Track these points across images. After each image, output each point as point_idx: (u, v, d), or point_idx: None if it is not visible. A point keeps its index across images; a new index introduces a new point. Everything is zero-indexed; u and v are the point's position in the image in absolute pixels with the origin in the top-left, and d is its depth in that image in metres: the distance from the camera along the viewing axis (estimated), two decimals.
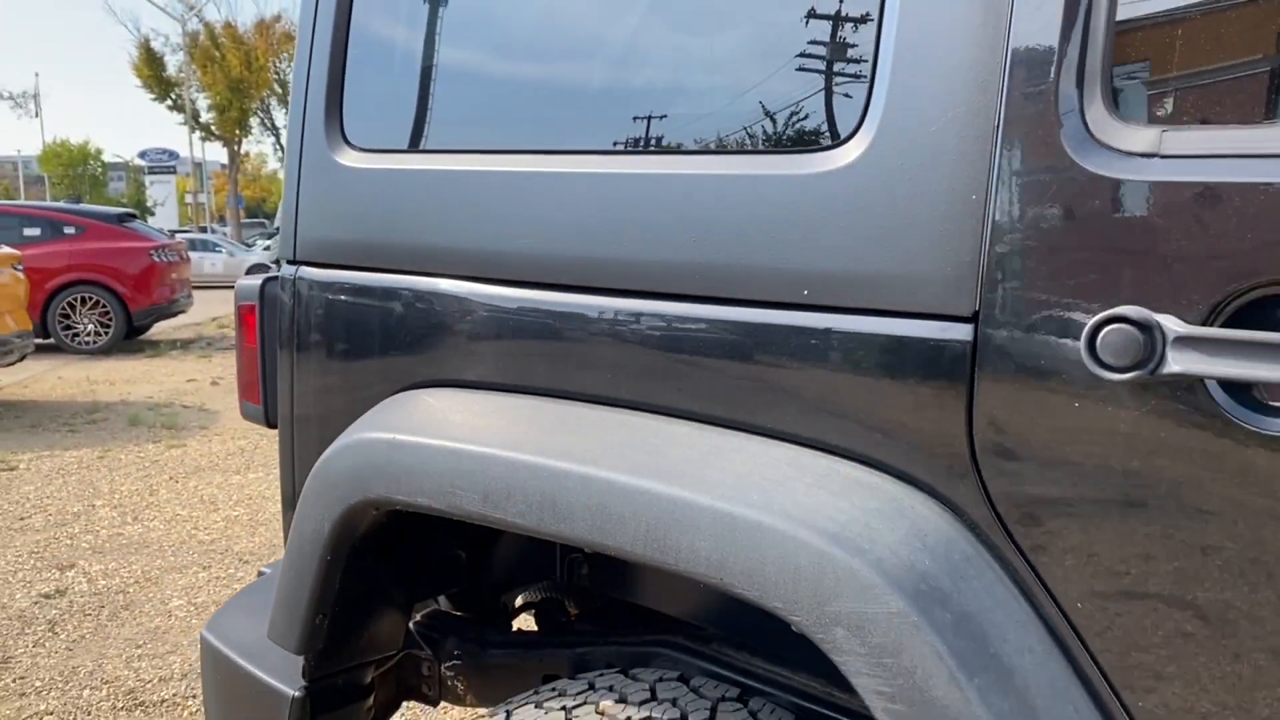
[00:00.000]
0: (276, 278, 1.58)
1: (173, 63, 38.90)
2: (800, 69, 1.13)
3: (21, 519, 5.48)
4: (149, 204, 43.07)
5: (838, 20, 1.11)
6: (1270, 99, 0.94)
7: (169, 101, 38.84)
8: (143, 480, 6.29)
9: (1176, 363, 0.89)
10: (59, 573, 4.65)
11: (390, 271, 1.44)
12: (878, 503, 1.03)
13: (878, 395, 1.06)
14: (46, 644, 3.89)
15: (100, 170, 56.69)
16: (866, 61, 1.08)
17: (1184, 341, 0.89)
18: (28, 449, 7.07)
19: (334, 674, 1.49)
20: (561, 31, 1.33)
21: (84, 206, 13.56)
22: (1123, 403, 0.93)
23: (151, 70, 38.28)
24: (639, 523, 1.10)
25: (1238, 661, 0.90)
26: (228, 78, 36.75)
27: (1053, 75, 0.96)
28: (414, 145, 1.46)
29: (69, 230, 12.02)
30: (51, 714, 3.35)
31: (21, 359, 8.83)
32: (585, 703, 1.27)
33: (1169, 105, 0.98)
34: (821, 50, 1.12)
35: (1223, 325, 0.89)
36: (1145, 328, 0.90)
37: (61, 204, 14.78)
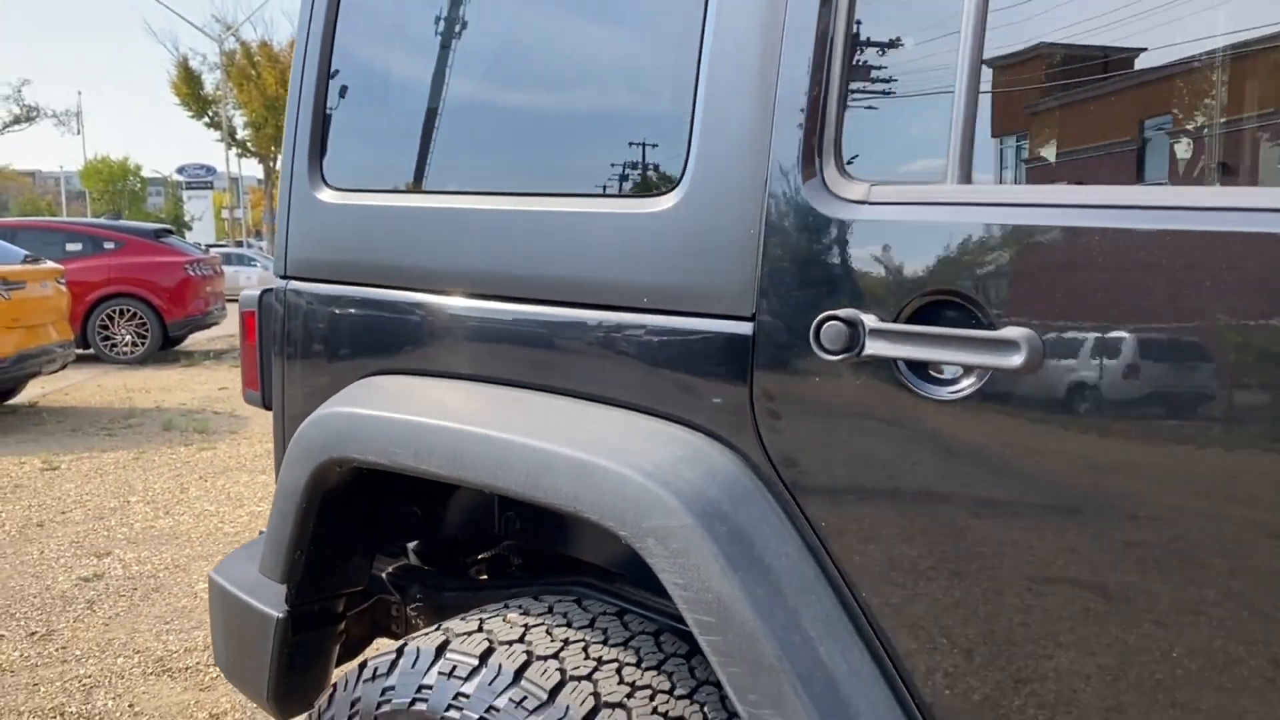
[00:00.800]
0: (272, 290, 2.00)
1: (210, 81, 39.80)
2: (645, 141, 1.53)
3: (63, 512, 5.95)
4: (187, 218, 44.04)
5: (669, 106, 1.50)
6: (937, 160, 1.32)
7: (206, 119, 39.75)
8: (174, 479, 6.76)
9: (872, 348, 1.27)
10: (96, 559, 5.10)
11: (357, 285, 1.85)
12: (686, 450, 1.42)
13: (690, 374, 1.45)
14: (85, 620, 4.33)
15: (140, 186, 57.93)
16: (685, 136, 1.47)
17: (877, 333, 1.27)
18: (69, 451, 7.56)
19: (311, 602, 1.89)
20: (472, 105, 1.73)
21: (122, 223, 14.15)
22: (842, 377, 1.31)
23: (189, 88, 39.21)
24: (522, 469, 1.50)
25: (931, 551, 1.27)
26: (263, 95, 37.59)
27: (802, 145, 1.35)
28: (376, 187, 1.88)
29: (108, 245, 12.59)
30: (89, 677, 3.77)
31: (63, 367, 9.35)
32: (497, 615, 1.67)
33: (879, 163, 1.37)
34: (660, 126, 1.52)
35: (905, 322, 1.27)
36: (852, 324, 1.29)
37: (101, 220, 15.41)
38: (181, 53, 47.24)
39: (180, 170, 45.55)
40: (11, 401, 9.47)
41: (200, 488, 6.55)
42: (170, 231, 13.91)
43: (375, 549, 2.00)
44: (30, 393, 9.89)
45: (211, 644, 2.18)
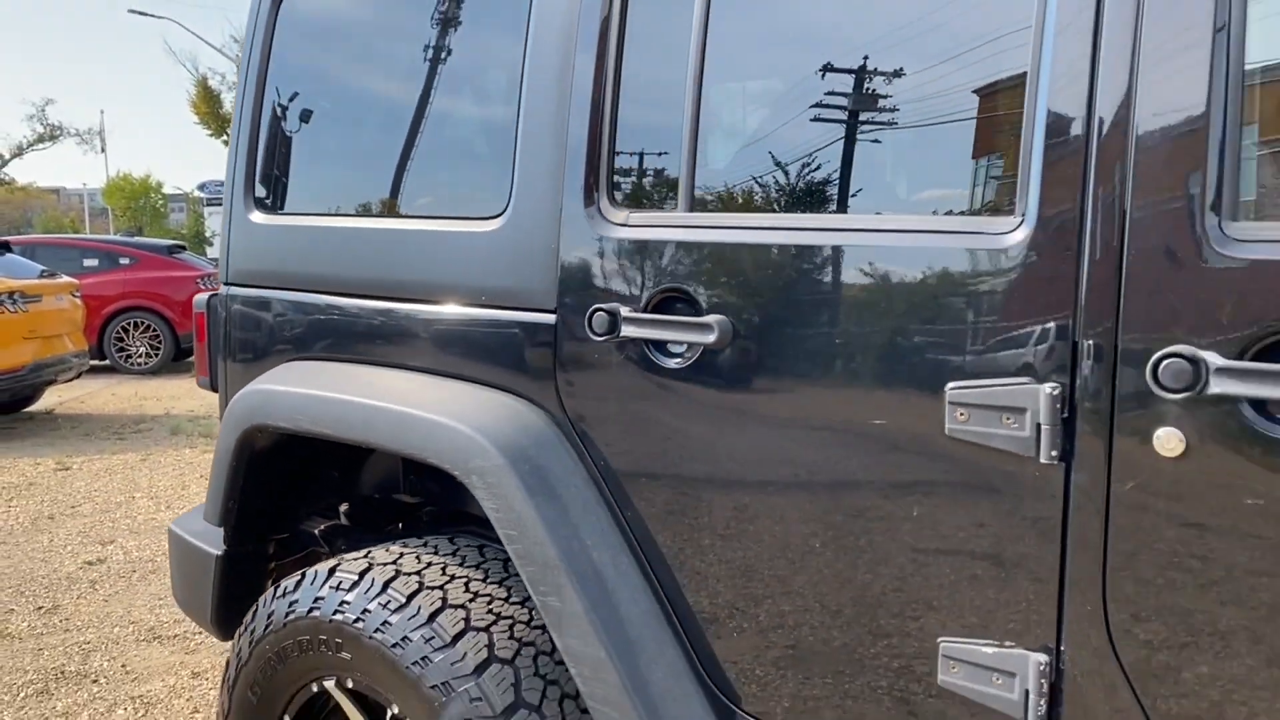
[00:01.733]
0: (218, 295, 2.47)
1: (229, 100, 40.60)
2: (483, 178, 2.00)
3: (73, 507, 6.45)
4: (207, 234, 44.82)
5: (499, 153, 1.97)
6: (673, 194, 1.77)
7: (225, 136, 40.54)
8: (178, 478, 7.25)
9: (626, 332, 1.73)
10: (101, 546, 5.59)
11: (278, 289, 2.32)
12: (506, 411, 1.88)
13: (514, 354, 1.91)
14: (87, 596, 4.81)
15: (161, 202, 58.82)
16: (509, 176, 1.93)
17: (629, 320, 1.73)
18: (81, 453, 8.07)
19: (244, 544, 2.35)
20: (360, 147, 2.21)
21: (137, 239, 14.74)
22: (609, 353, 1.77)
23: (208, 107, 39.97)
24: (387, 428, 1.96)
25: (671, 482, 1.72)
26: None
27: (584, 183, 1.81)
28: (292, 211, 2.35)
29: (124, 261, 13.17)
30: (88, 643, 4.25)
31: (78, 375, 9.88)
32: (382, 548, 2.13)
33: (636, 196, 1.83)
34: (493, 167, 1.98)
35: (649, 312, 1.73)
36: (613, 314, 1.74)
37: (117, 237, 16.02)
38: (201, 72, 48.19)
39: (201, 187, 46.31)
40: (30, 409, 10.01)
41: (201, 485, 7.03)
42: (183, 248, 14.49)
43: (301, 503, 2.46)
44: (47, 400, 10.43)
45: (171, 584, 2.65)
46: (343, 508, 2.63)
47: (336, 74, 2.29)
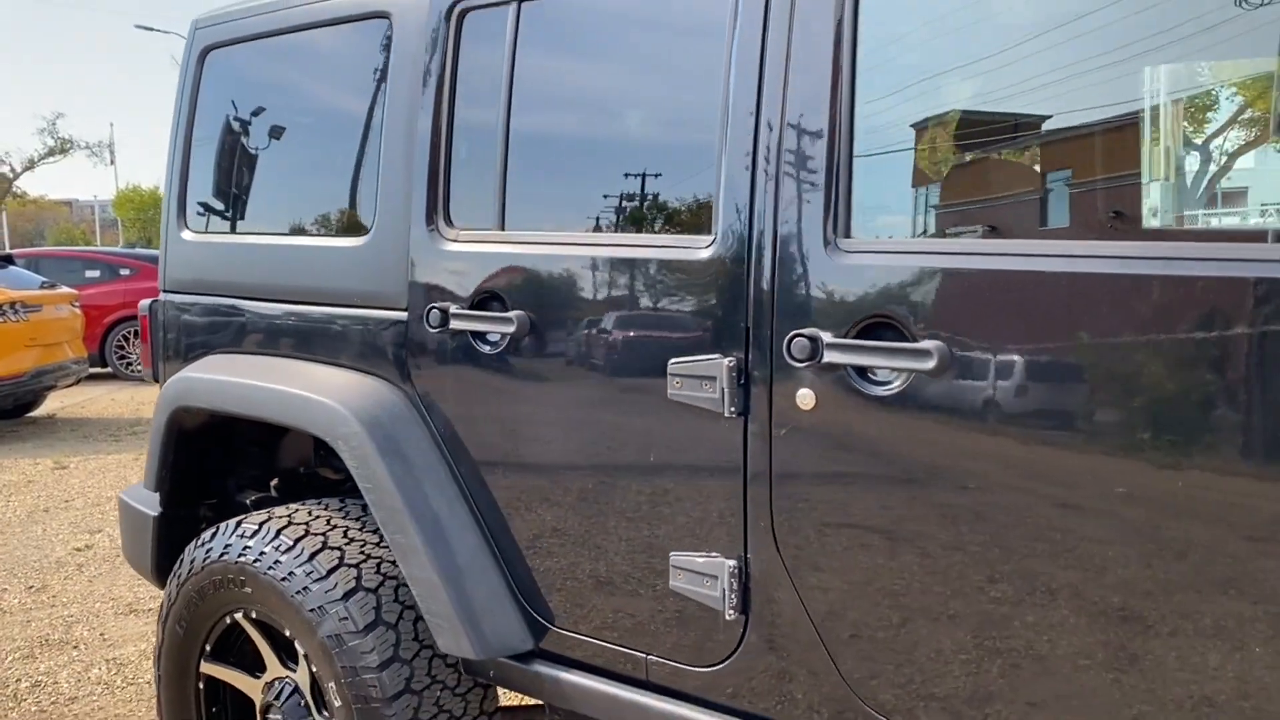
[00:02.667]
0: (157, 300, 2.96)
1: None
2: (356, 203, 2.48)
3: (66, 501, 6.95)
4: None
5: (367, 183, 2.45)
6: (490, 218, 2.24)
7: None
8: None
9: (454, 325, 2.20)
10: (89, 535, 6.09)
11: (201, 295, 2.81)
12: (369, 390, 2.35)
13: (376, 344, 2.39)
14: (74, 578, 5.30)
15: None
16: (374, 202, 2.41)
17: (457, 316, 2.20)
18: (78, 454, 8.59)
19: (176, 507, 2.84)
20: (260, 178, 2.70)
21: (137, 250, 15.31)
22: (441, 343, 2.24)
23: None
24: (277, 405, 2.44)
25: (488, 443, 2.19)
26: None
27: (426, 208, 2.28)
28: (211, 230, 2.84)
29: (124, 272, 13.71)
30: (72, 616, 4.74)
31: (78, 381, 10.41)
32: (284, 506, 2.60)
33: (463, 220, 2.30)
34: (363, 194, 2.46)
35: (469, 309, 2.20)
36: (444, 311, 2.22)
37: (118, 249, 16.58)
38: None
39: None
40: (33, 413, 10.54)
41: None
42: None
43: (229, 474, 2.94)
44: (50, 406, 10.95)
45: (120, 543, 3.13)
46: (273, 483, 3.10)
47: (245, 119, 2.77)
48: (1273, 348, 1.36)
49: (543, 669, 2.20)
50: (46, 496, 7.11)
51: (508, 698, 2.74)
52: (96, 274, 13.60)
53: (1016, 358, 1.56)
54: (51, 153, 54.09)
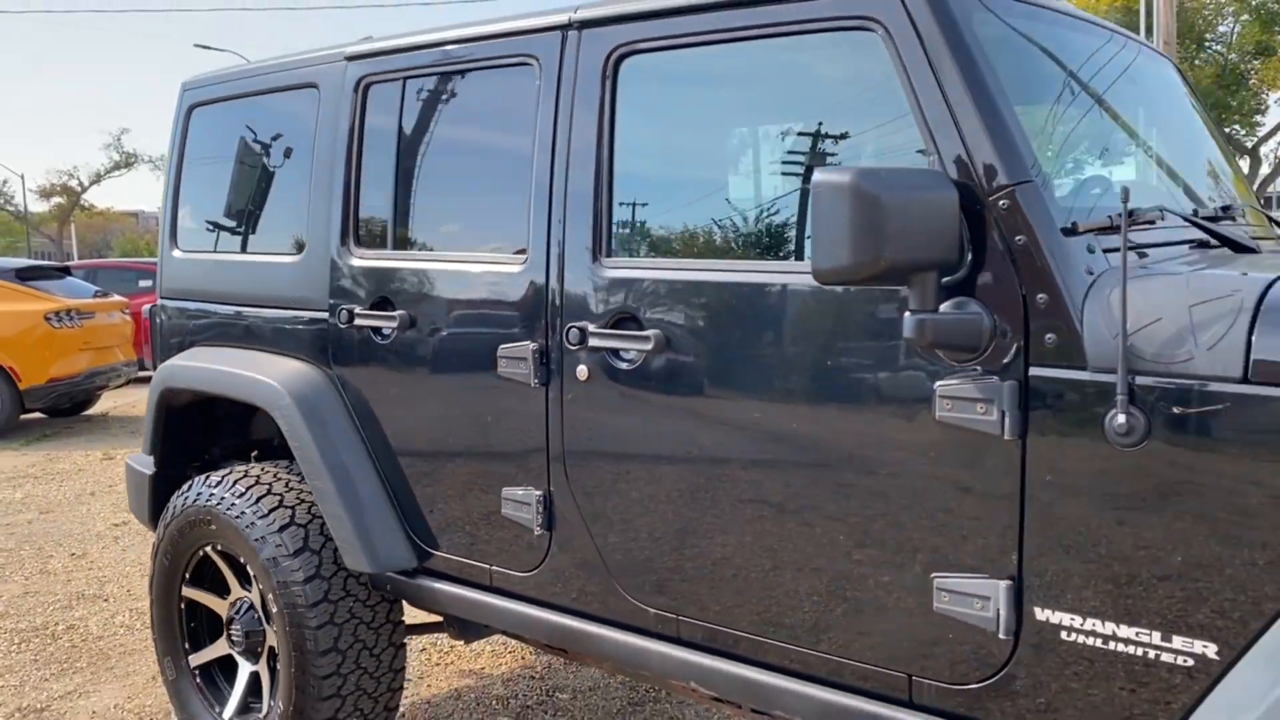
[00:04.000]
0: (156, 305, 3.71)
1: None
2: (296, 229, 3.21)
3: (111, 486, 7.80)
4: None
5: (300, 213, 3.18)
6: (384, 241, 2.95)
7: None
8: None
9: (358, 321, 2.92)
10: (128, 514, 6.90)
11: (186, 300, 3.56)
12: (301, 372, 3.07)
13: (307, 337, 3.11)
14: (110, 547, 6.12)
15: None
16: (305, 227, 3.14)
17: (359, 315, 2.92)
18: (125, 446, 9.46)
19: (167, 468, 3.59)
20: (228, 208, 3.45)
21: None
22: (351, 336, 2.96)
23: None
24: (232, 385, 3.18)
25: (377, 411, 2.91)
26: None
27: (340, 233, 3.00)
28: (194, 249, 3.59)
29: None
30: (105, 577, 5.54)
31: (127, 382, 11.35)
32: (246, 465, 3.33)
33: (367, 241, 3.02)
34: (298, 222, 3.19)
35: (367, 309, 2.91)
36: (350, 311, 2.94)
37: None
38: None
39: None
40: (87, 411, 11.49)
41: None
42: None
43: (212, 443, 3.68)
44: (102, 405, 11.90)
45: (127, 498, 3.90)
46: (253, 454, 3.83)
47: (217, 162, 3.53)
48: (835, 339, 2.03)
49: (423, 581, 2.91)
50: (94, 482, 7.97)
51: (413, 617, 3.41)
52: (149, 283, 14.57)
53: (703, 340, 2.24)
54: (117, 166, 56.05)
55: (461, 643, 3.36)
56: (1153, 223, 2.10)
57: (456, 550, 2.83)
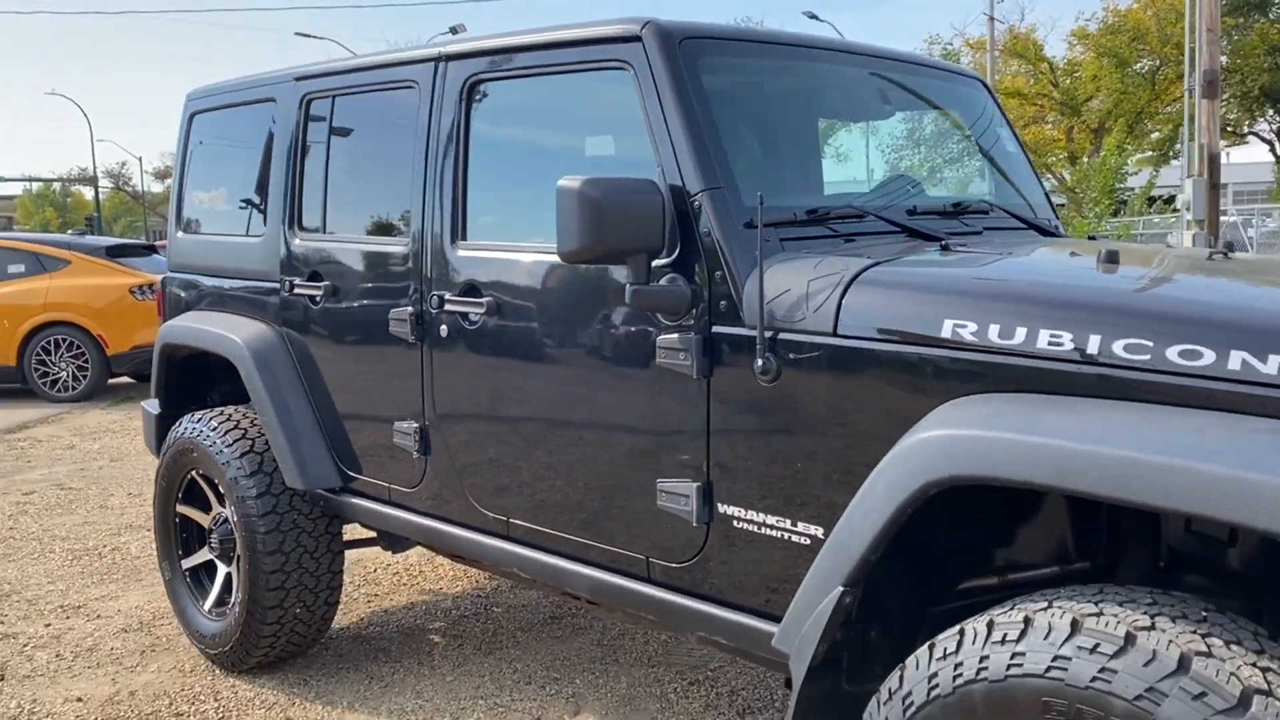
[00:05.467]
0: (166, 276, 4.53)
1: None
2: (256, 215, 3.98)
3: None
4: None
5: (266, 205, 3.95)
6: (320, 226, 3.69)
7: None
8: None
9: (296, 291, 3.68)
10: None
11: (189, 273, 4.37)
12: (259, 331, 3.84)
13: (265, 302, 3.87)
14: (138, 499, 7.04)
15: None
16: (264, 215, 3.90)
17: (298, 286, 3.67)
18: None
19: (169, 410, 4.40)
20: (219, 197, 4.23)
21: None
22: (293, 300, 3.72)
23: None
24: (212, 343, 3.97)
25: (314, 361, 3.66)
26: None
27: (286, 218, 3.76)
28: (193, 231, 4.40)
29: None
30: (131, 524, 6.44)
31: None
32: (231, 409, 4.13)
33: (307, 227, 3.77)
34: (262, 208, 3.96)
35: (306, 280, 3.66)
36: (293, 282, 3.69)
37: None
38: None
39: None
40: None
41: None
42: None
43: (211, 389, 4.48)
44: None
45: (143, 434, 4.74)
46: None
47: (207, 160, 4.32)
48: (593, 304, 2.70)
49: (345, 498, 3.66)
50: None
51: (352, 533, 4.15)
52: None
53: (516, 304, 2.93)
54: None
55: (390, 553, 4.11)
56: (862, 217, 2.73)
57: (367, 472, 3.57)
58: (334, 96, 3.64)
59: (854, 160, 3.34)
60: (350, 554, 5.05)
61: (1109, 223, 25.76)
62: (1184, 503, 1.68)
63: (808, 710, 2.22)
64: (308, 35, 38.76)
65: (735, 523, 2.51)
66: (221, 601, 4.07)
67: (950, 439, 1.96)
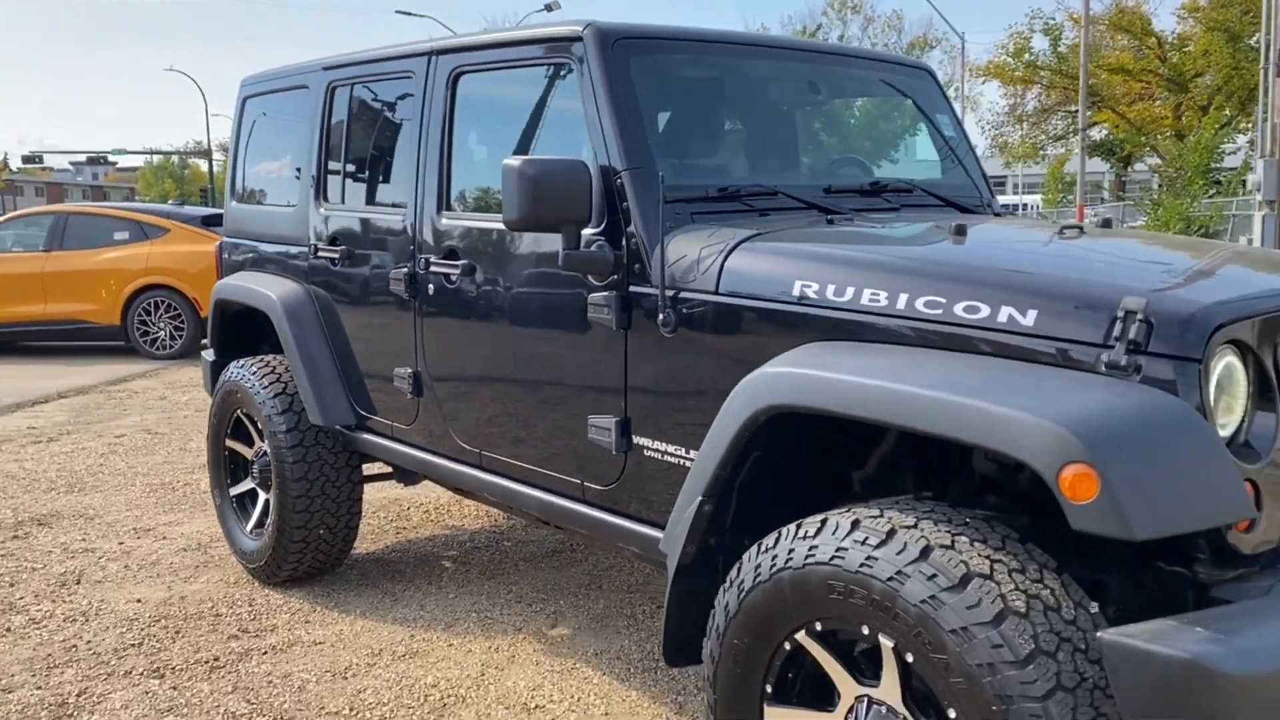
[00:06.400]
0: (221, 242, 5.15)
1: None
2: (293, 190, 4.56)
3: None
4: None
5: (300, 184, 4.52)
6: (339, 200, 4.24)
7: None
8: None
9: (320, 254, 4.25)
10: None
11: (237, 239, 4.97)
12: (290, 288, 4.41)
13: (296, 264, 4.45)
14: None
15: None
16: (298, 191, 4.48)
17: (320, 249, 4.24)
18: None
19: (222, 358, 5.02)
20: (262, 174, 4.82)
21: None
22: (319, 262, 4.29)
23: None
24: (249, 298, 4.57)
25: (332, 316, 4.23)
26: None
27: (314, 193, 4.33)
28: (245, 201, 5.00)
29: None
30: (204, 464, 7.14)
31: None
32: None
33: (328, 199, 4.33)
34: (297, 188, 4.54)
35: (326, 244, 4.23)
36: (317, 247, 4.26)
37: None
38: None
39: None
40: None
41: None
42: None
43: (261, 341, 5.08)
44: None
45: (202, 380, 5.39)
46: None
47: (256, 139, 4.91)
48: (541, 266, 3.19)
49: (358, 434, 4.23)
50: None
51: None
52: None
53: (484, 265, 3.43)
54: None
55: (401, 484, 4.67)
56: (774, 195, 3.16)
57: (374, 412, 4.13)
58: (352, 85, 4.18)
59: (829, 145, 3.77)
60: (389, 494, 5.70)
61: (1202, 203, 25.21)
62: (927, 425, 2.10)
63: (684, 603, 2.68)
64: (408, 14, 39.83)
65: (645, 451, 2.98)
66: (260, 524, 4.68)
67: (770, 375, 2.41)
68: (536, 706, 3.49)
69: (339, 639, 4.05)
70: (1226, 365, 2.11)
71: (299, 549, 4.40)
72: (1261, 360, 2.17)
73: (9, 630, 4.19)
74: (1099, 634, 1.89)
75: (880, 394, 2.18)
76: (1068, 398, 1.99)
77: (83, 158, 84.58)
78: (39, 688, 3.66)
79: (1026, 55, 39.10)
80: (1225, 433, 2.11)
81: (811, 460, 2.75)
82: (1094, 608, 2.05)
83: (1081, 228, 3.05)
